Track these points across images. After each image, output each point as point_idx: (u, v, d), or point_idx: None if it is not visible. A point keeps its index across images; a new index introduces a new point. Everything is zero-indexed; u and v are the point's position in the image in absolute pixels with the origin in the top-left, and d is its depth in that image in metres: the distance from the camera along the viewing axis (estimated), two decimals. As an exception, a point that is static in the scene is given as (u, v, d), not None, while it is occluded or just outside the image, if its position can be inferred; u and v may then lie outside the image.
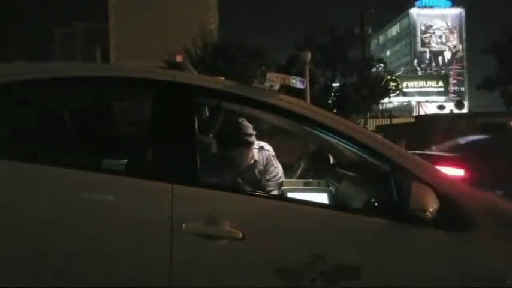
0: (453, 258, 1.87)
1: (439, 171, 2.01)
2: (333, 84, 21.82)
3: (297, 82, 2.18)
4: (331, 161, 3.41)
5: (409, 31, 78.98)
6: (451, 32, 77.61)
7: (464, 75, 74.22)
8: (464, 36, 77.31)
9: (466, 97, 66.23)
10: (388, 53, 78.65)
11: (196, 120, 2.12)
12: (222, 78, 2.48)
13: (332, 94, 21.56)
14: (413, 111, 50.08)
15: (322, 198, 2.66)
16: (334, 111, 19.34)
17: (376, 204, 2.07)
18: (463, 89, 72.68)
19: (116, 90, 2.38)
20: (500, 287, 1.84)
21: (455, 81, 72.37)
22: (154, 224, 1.93)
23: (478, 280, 1.84)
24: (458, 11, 77.79)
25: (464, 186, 2.03)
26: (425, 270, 1.87)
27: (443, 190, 1.91)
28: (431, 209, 1.81)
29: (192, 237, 1.90)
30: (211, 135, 2.93)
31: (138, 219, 1.93)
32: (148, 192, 1.98)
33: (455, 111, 28.73)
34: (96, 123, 2.45)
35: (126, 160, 2.46)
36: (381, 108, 32.06)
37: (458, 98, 50.80)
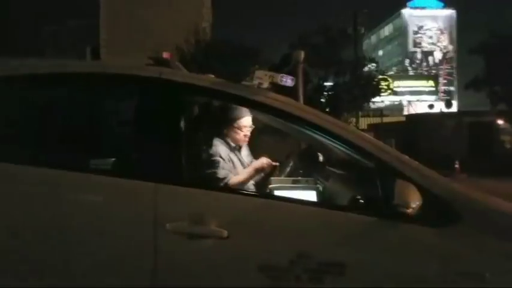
0: (436, 254, 1.89)
1: (422, 167, 2.03)
2: (326, 84, 21.88)
3: (285, 80, 2.19)
4: (320, 159, 3.43)
5: (401, 31, 79.47)
6: (442, 33, 78.27)
7: (454, 75, 74.92)
8: (454, 37, 77.92)
9: (456, 96, 66.75)
10: (380, 52, 78.98)
11: (183, 118, 2.12)
12: (211, 75, 2.48)
13: (325, 93, 21.63)
14: (403, 110, 50.46)
15: (310, 196, 2.67)
16: (327, 110, 19.42)
17: (361, 201, 2.08)
18: (452, 88, 73.33)
19: (100, 87, 2.35)
20: (480, 282, 1.86)
21: (445, 81, 73.02)
22: (137, 224, 1.92)
23: (460, 275, 1.86)
24: (450, 12, 78.48)
25: (448, 182, 2.05)
26: (409, 266, 1.89)
27: (426, 186, 1.93)
28: (414, 206, 1.83)
29: (176, 236, 1.89)
30: (198, 133, 2.93)
31: (121, 220, 1.93)
32: (131, 192, 1.96)
33: (445, 110, 28.91)
34: (79, 121, 2.42)
35: (110, 159, 2.45)
36: (372, 107, 32.25)
37: (448, 98, 51.15)
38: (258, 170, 2.96)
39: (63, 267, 1.92)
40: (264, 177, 3.08)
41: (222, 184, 2.80)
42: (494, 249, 1.91)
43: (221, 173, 2.84)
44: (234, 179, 2.86)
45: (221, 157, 2.91)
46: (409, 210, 1.83)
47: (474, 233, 1.92)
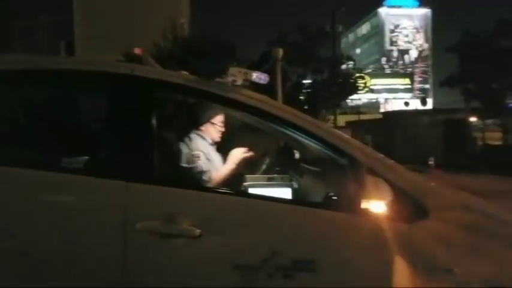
0: (406, 250, 1.92)
1: (393, 164, 2.06)
2: (304, 81, 22.02)
3: (259, 77, 2.18)
4: (296, 156, 3.44)
5: (378, 30, 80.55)
6: (418, 32, 79.66)
7: (429, 73, 76.41)
8: (429, 36, 79.44)
9: (431, 94, 68.13)
10: (358, 51, 79.93)
11: (156, 115, 2.08)
12: (185, 72, 2.45)
13: (303, 91, 21.77)
14: (380, 108, 51.23)
15: (284, 193, 2.68)
16: (306, 107, 19.56)
17: (334, 198, 2.10)
18: (427, 86, 74.79)
19: (71, 84, 2.29)
20: (448, 277, 1.90)
21: (420, 79, 74.40)
22: (107, 224, 1.89)
23: (429, 270, 1.90)
24: (425, 11, 79.96)
25: (418, 178, 2.08)
26: (380, 261, 1.91)
27: (396, 183, 1.95)
28: (385, 202, 1.85)
29: (147, 236, 1.86)
30: (172, 130, 2.90)
31: (90, 220, 1.89)
32: (101, 191, 1.93)
33: (420, 107, 29.50)
34: (49, 119, 2.35)
35: (81, 158, 2.40)
36: (350, 104, 32.64)
37: (423, 95, 52.18)
38: (237, 163, 2.95)
39: (32, 268, 1.88)
40: (239, 174, 3.08)
41: (204, 179, 2.78)
42: (462, 244, 1.95)
43: (203, 168, 2.83)
44: (216, 175, 2.85)
45: (202, 152, 2.90)
46: (380, 207, 1.85)
47: (442, 228, 1.95)
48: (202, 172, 2.84)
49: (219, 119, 3.06)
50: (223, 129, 3.11)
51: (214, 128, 3.07)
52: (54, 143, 2.26)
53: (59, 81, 2.25)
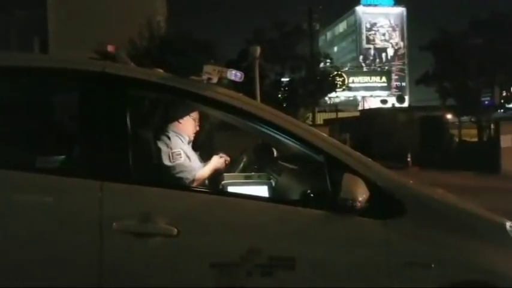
0: (384, 246, 1.94)
1: (369, 161, 2.07)
2: (282, 79, 22.09)
3: (235, 75, 2.15)
4: (274, 154, 3.43)
5: (355, 28, 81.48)
6: (394, 30, 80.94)
7: (405, 71, 77.79)
8: (405, 34, 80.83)
9: (407, 92, 69.36)
10: (335, 49, 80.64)
11: (129, 113, 2.04)
12: (160, 70, 2.41)
13: (282, 89, 21.84)
14: (358, 105, 51.89)
15: (262, 191, 2.67)
16: (284, 105, 19.63)
17: (311, 195, 2.10)
18: (404, 84, 76.12)
19: (42, 82, 2.23)
20: (425, 271, 1.92)
21: (397, 77, 75.66)
22: (82, 224, 1.85)
23: (406, 265, 1.92)
24: (400, 9, 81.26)
25: (393, 175, 2.10)
26: (358, 258, 1.92)
27: (373, 180, 1.97)
28: (361, 199, 1.86)
29: (124, 236, 1.84)
30: (147, 128, 2.85)
31: (65, 220, 1.85)
32: (76, 191, 1.89)
33: (397, 105, 30.02)
34: (20, 118, 2.28)
35: (54, 157, 2.34)
36: (328, 102, 32.94)
37: (400, 93, 53.11)
38: (216, 169, 3.03)
39: (7, 268, 1.83)
40: (217, 173, 3.05)
41: (183, 178, 2.76)
42: (438, 240, 1.97)
43: (184, 165, 2.81)
44: (196, 176, 2.86)
45: (182, 149, 2.87)
46: (357, 203, 1.86)
47: (418, 224, 1.98)
48: (182, 170, 2.81)
49: (194, 115, 3.03)
50: (198, 127, 3.08)
51: (190, 126, 3.04)
52: (27, 142, 2.20)
53: (30, 79, 2.19)
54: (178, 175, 2.80)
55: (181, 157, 2.84)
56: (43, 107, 2.47)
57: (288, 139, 2.14)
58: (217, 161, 3.05)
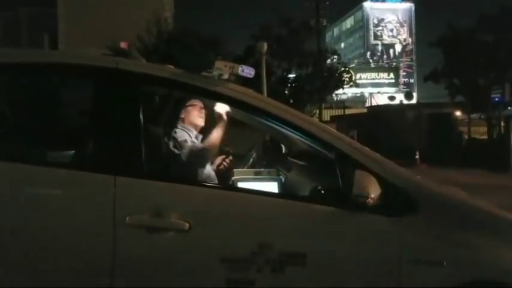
0: (396, 243, 1.93)
1: (381, 158, 2.07)
2: (289, 76, 22.03)
3: (245, 71, 2.16)
4: (283, 150, 3.44)
5: (362, 24, 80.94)
6: (402, 26, 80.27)
7: (414, 68, 77.11)
8: (413, 30, 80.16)
9: (415, 88, 68.82)
10: (342, 45, 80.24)
11: (142, 109, 2.05)
12: (171, 66, 2.42)
13: (289, 85, 21.79)
14: (365, 102, 51.63)
15: (272, 187, 2.68)
16: (291, 101, 19.59)
17: (322, 192, 2.10)
18: (412, 80, 75.54)
19: (56, 77, 2.26)
20: (438, 269, 1.92)
21: (405, 73, 75.06)
22: (95, 218, 1.87)
23: (419, 263, 1.92)
24: (408, 5, 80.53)
25: (406, 172, 2.10)
26: (369, 255, 1.92)
27: (385, 177, 1.97)
28: (373, 195, 1.86)
29: (137, 230, 1.85)
30: (159, 124, 2.86)
31: (78, 214, 1.87)
32: (89, 185, 1.91)
33: (405, 102, 29.82)
34: (35, 113, 2.31)
35: (67, 152, 2.36)
36: (335, 99, 32.80)
37: (408, 89, 52.75)
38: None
39: (19, 264, 1.85)
40: (226, 169, 3.06)
41: (196, 172, 2.75)
42: (451, 238, 1.97)
43: (192, 149, 2.78)
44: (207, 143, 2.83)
45: (187, 139, 2.85)
46: (369, 200, 1.86)
47: (431, 222, 1.97)
48: (192, 156, 2.77)
49: (193, 104, 2.97)
50: (203, 117, 3.00)
51: (193, 117, 2.96)
52: (41, 137, 2.23)
53: (46, 75, 2.21)
54: (188, 170, 2.78)
55: (187, 143, 2.80)
56: (57, 102, 2.50)
57: (299, 135, 2.14)
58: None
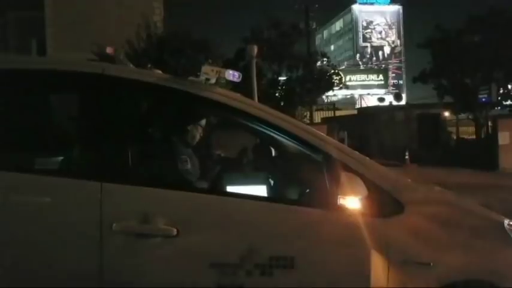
0: (382, 245, 1.95)
1: (368, 160, 2.09)
2: (280, 78, 22.08)
3: (232, 75, 2.16)
4: (273, 153, 3.44)
5: (352, 27, 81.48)
6: (390, 28, 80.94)
7: (403, 69, 77.77)
8: (402, 32, 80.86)
9: (404, 89, 69.36)
10: (332, 47, 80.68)
11: (129, 115, 2.05)
12: (158, 71, 2.41)
13: (279, 88, 21.83)
14: (356, 104, 51.92)
15: (261, 190, 2.67)
16: (282, 104, 19.64)
17: (310, 194, 2.11)
18: (401, 82, 76.12)
19: (41, 83, 2.23)
20: (424, 270, 1.94)
21: (394, 75, 75.63)
22: (82, 224, 1.86)
23: (405, 264, 1.93)
24: (397, 7, 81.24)
25: (392, 174, 2.11)
26: (357, 256, 1.93)
27: (371, 178, 1.98)
28: (360, 197, 1.87)
29: (124, 236, 1.85)
30: (148, 130, 2.84)
31: (65, 221, 1.86)
32: (75, 192, 1.90)
33: (394, 103, 30.05)
34: (20, 119, 2.29)
35: (53, 159, 2.34)
36: (325, 101, 32.93)
37: (397, 91, 53.12)
38: None
39: (7, 269, 1.84)
40: (215, 173, 3.05)
41: (190, 180, 2.75)
42: (437, 238, 1.98)
43: (189, 173, 2.78)
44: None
45: (187, 156, 2.85)
46: (355, 202, 1.87)
47: (417, 223, 1.99)
48: (187, 176, 2.78)
49: (202, 123, 2.99)
50: (202, 134, 3.04)
51: (196, 133, 2.99)
52: (27, 144, 2.20)
53: (29, 82, 2.19)
54: (176, 176, 2.77)
55: (188, 164, 2.82)
56: (42, 109, 2.47)
57: (287, 139, 2.15)
58: None
